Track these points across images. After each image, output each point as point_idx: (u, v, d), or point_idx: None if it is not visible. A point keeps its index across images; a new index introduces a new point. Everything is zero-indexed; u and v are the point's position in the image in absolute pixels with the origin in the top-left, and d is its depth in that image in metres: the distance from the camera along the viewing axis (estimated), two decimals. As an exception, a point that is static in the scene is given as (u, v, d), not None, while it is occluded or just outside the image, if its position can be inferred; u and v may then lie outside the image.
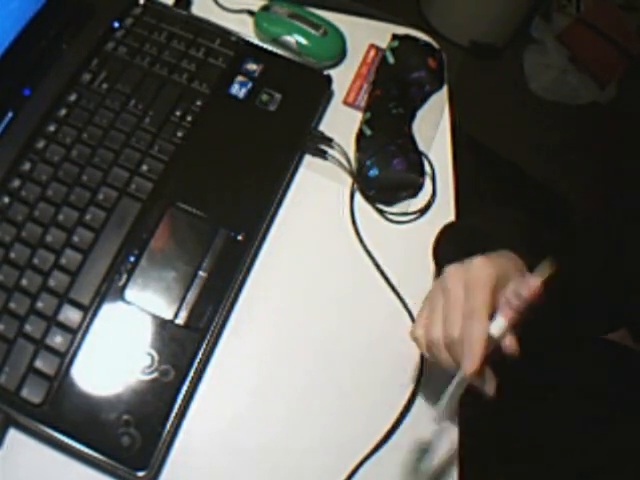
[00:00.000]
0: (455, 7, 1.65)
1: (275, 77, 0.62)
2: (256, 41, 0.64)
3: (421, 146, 0.63)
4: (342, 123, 0.63)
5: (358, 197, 0.60)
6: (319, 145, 0.61)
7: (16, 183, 0.53)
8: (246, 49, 0.63)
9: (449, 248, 0.53)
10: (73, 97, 0.57)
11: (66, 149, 0.55)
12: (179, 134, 0.57)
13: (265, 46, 0.64)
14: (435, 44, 0.68)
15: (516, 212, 0.53)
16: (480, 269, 0.41)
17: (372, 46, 0.69)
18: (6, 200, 0.52)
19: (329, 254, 0.58)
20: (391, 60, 0.65)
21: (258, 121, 0.60)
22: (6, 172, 0.53)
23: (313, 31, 0.65)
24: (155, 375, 0.48)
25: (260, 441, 0.50)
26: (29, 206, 0.52)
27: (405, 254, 0.59)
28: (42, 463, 0.47)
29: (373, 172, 0.59)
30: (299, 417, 0.51)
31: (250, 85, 0.61)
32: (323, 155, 0.61)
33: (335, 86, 0.64)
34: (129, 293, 0.50)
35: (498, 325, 0.40)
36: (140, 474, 0.45)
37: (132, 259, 0.51)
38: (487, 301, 0.40)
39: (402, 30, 0.69)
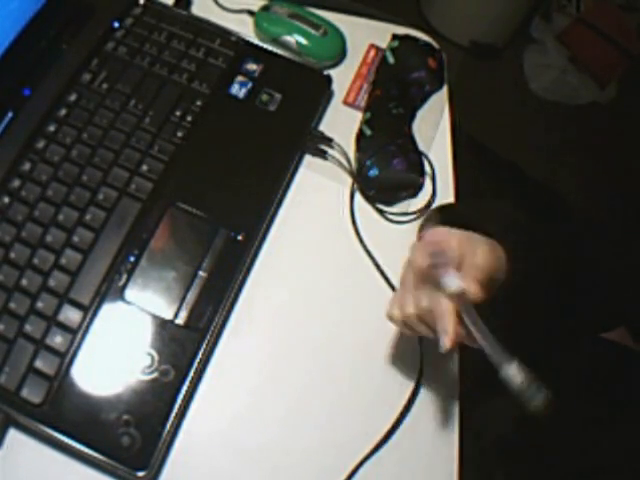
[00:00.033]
0: (455, 7, 1.65)
1: (275, 77, 0.62)
2: (256, 41, 0.64)
3: (421, 146, 0.63)
4: (342, 123, 0.63)
5: (358, 197, 0.60)
6: (319, 145, 0.61)
7: (16, 183, 0.53)
8: (246, 49, 0.63)
9: (430, 226, 0.53)
10: (73, 97, 0.57)
11: (66, 149, 0.55)
12: (179, 134, 0.57)
13: (265, 46, 0.64)
14: (435, 44, 0.68)
15: (516, 212, 0.53)
16: (442, 235, 0.42)
17: (372, 46, 0.69)
18: (6, 200, 0.52)
19: (329, 254, 0.58)
20: (391, 60, 0.65)
21: (258, 121, 0.60)
22: (6, 172, 0.53)
23: (313, 31, 0.65)
24: (155, 375, 0.48)
25: (260, 441, 0.50)
26: (29, 206, 0.52)
27: (405, 254, 0.58)
28: (42, 463, 0.47)
29: (373, 172, 0.59)
30: (299, 417, 0.51)
31: (250, 85, 0.61)
32: (323, 155, 0.61)
33: (335, 86, 0.64)
34: (129, 293, 0.50)
35: (451, 281, 0.40)
36: (140, 474, 0.45)
37: (132, 259, 0.51)
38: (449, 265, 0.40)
39: (402, 30, 0.69)
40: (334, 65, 0.67)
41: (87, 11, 0.62)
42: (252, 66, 0.62)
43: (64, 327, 0.48)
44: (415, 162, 0.61)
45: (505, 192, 1.25)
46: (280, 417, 0.51)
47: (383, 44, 0.68)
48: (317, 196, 0.60)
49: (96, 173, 0.54)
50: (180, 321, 0.50)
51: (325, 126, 0.63)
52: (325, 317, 0.55)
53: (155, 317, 0.50)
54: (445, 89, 0.67)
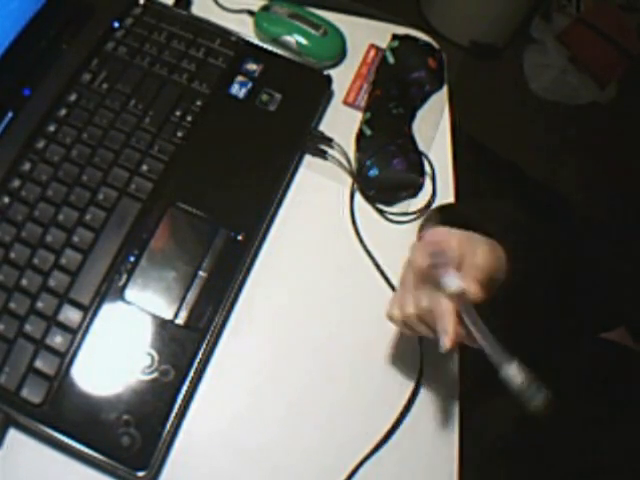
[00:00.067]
0: (455, 7, 1.65)
1: (275, 77, 0.62)
2: (256, 41, 0.64)
3: (421, 146, 0.63)
4: (342, 123, 0.63)
5: (358, 197, 0.60)
6: (319, 145, 0.61)
7: (16, 183, 0.53)
8: (246, 49, 0.63)
9: (430, 226, 0.53)
10: (73, 97, 0.57)
11: (66, 149, 0.55)
12: (179, 134, 0.57)
13: (265, 46, 0.64)
14: (435, 44, 0.68)
15: (516, 212, 0.53)
16: (442, 235, 0.42)
17: (372, 46, 0.69)
18: (6, 200, 0.52)
19: (329, 254, 0.58)
20: (391, 60, 0.65)
21: (258, 121, 0.60)
22: (6, 172, 0.53)
23: (313, 31, 0.65)
24: (155, 375, 0.48)
25: (260, 441, 0.50)
26: (29, 206, 0.52)
27: (405, 254, 0.58)
28: (42, 463, 0.47)
29: (373, 172, 0.59)
30: (299, 417, 0.51)
31: (250, 85, 0.61)
32: (323, 155, 0.61)
33: (335, 86, 0.64)
34: (129, 293, 0.50)
35: (451, 281, 0.40)
36: (140, 474, 0.45)
37: (132, 259, 0.51)
38: (449, 265, 0.40)
39: (402, 30, 0.69)
40: (334, 65, 0.67)
41: (87, 11, 0.62)
42: (252, 66, 0.62)
43: (64, 327, 0.48)
44: (415, 162, 0.61)
45: (505, 192, 1.25)
46: (280, 417, 0.51)
47: (383, 44, 0.68)
48: (317, 196, 0.60)
49: (96, 173, 0.54)
50: (180, 321, 0.50)
51: (325, 126, 0.63)
52: (325, 317, 0.55)
53: (155, 317, 0.50)
54: (445, 89, 0.67)
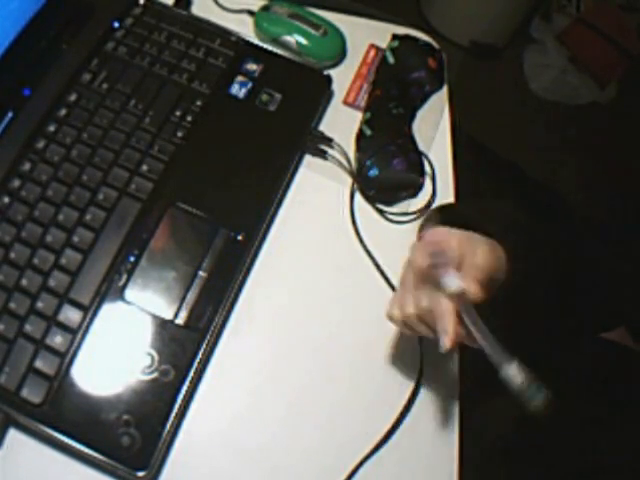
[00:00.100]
0: (455, 7, 1.65)
1: (275, 77, 0.62)
2: (256, 41, 0.64)
3: (421, 146, 0.63)
4: (342, 123, 0.63)
5: (358, 197, 0.60)
6: (319, 145, 0.61)
7: (16, 183, 0.53)
8: (246, 49, 0.63)
9: (430, 226, 0.53)
10: (73, 97, 0.57)
11: (66, 149, 0.55)
12: (179, 134, 0.57)
13: (265, 46, 0.64)
14: (435, 44, 0.68)
15: (516, 212, 0.53)
16: (442, 235, 0.42)
17: (372, 46, 0.69)
18: (6, 200, 0.52)
19: (329, 254, 0.58)
20: (391, 60, 0.65)
21: (258, 121, 0.60)
22: (6, 172, 0.53)
23: (313, 31, 0.65)
24: (155, 375, 0.48)
25: (260, 441, 0.50)
26: (29, 206, 0.52)
27: (405, 254, 0.58)
28: (42, 463, 0.47)
29: (373, 172, 0.59)
30: (299, 417, 0.51)
31: (250, 85, 0.61)
32: (323, 155, 0.61)
33: (335, 86, 0.64)
34: (129, 293, 0.50)
35: (451, 281, 0.40)
36: (140, 474, 0.45)
37: (132, 259, 0.51)
38: (449, 265, 0.40)
39: (402, 30, 0.69)
40: (334, 65, 0.67)
41: (87, 11, 0.62)
42: (252, 66, 0.62)
43: (64, 327, 0.48)
44: (415, 162, 0.61)
45: (505, 192, 1.25)
46: (280, 417, 0.51)
47: (383, 44, 0.68)
48: (317, 196, 0.60)
49: (96, 173, 0.54)
50: (180, 321, 0.50)
51: (325, 126, 0.63)
52: (325, 317, 0.55)
53: (155, 317, 0.50)
54: (445, 89, 0.67)
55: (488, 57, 1.72)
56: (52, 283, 0.49)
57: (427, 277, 0.42)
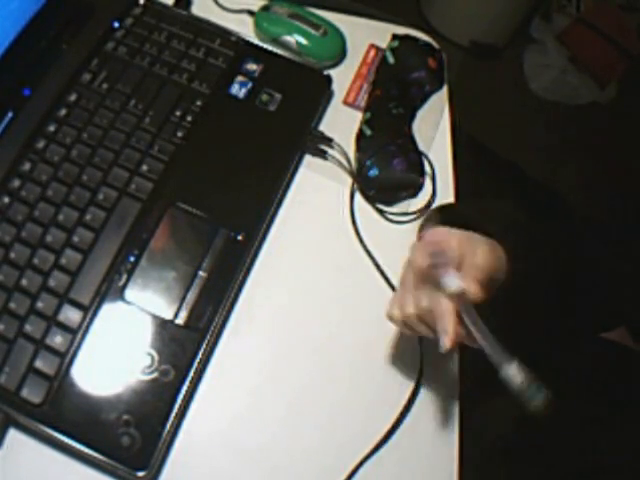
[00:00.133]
0: (455, 7, 1.65)
1: (275, 77, 0.62)
2: (256, 41, 0.64)
3: (421, 146, 0.63)
4: (342, 123, 0.63)
5: (358, 197, 0.60)
6: (319, 145, 0.61)
7: (16, 183, 0.53)
8: (246, 49, 0.63)
9: (430, 226, 0.53)
10: (73, 97, 0.57)
11: (66, 149, 0.55)
12: (179, 134, 0.57)
13: (265, 46, 0.64)
14: (435, 44, 0.68)
15: (516, 212, 0.53)
16: (442, 235, 0.42)
17: (372, 46, 0.69)
18: (6, 200, 0.52)
19: (329, 254, 0.58)
20: (391, 60, 0.65)
21: (258, 121, 0.60)
22: (6, 172, 0.53)
23: (313, 31, 0.65)
24: (155, 375, 0.48)
25: (260, 441, 0.50)
26: (29, 206, 0.52)
27: (405, 254, 0.58)
28: (42, 463, 0.47)
29: (373, 172, 0.59)
30: (299, 417, 0.51)
31: (250, 85, 0.61)
32: (323, 155, 0.61)
33: (335, 86, 0.64)
34: (129, 293, 0.50)
35: (451, 281, 0.40)
36: (140, 474, 0.45)
37: (132, 259, 0.51)
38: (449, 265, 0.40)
39: (402, 30, 0.69)
40: (334, 65, 0.67)
41: (87, 11, 0.62)
42: (252, 66, 0.62)
43: (64, 327, 0.48)
44: (415, 162, 0.61)
45: (505, 192, 1.25)
46: (280, 417, 0.51)
47: (383, 44, 0.68)
48: (317, 196, 0.60)
49: (96, 173, 0.54)
50: (180, 321, 0.50)
51: (325, 126, 0.63)
52: (325, 317, 0.55)
53: (155, 317, 0.50)
54: (445, 89, 0.67)
55: (488, 57, 1.72)
56: (52, 283, 0.49)
57: (427, 277, 0.42)
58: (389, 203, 0.61)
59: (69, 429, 0.45)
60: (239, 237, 0.54)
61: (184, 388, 0.48)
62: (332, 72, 0.64)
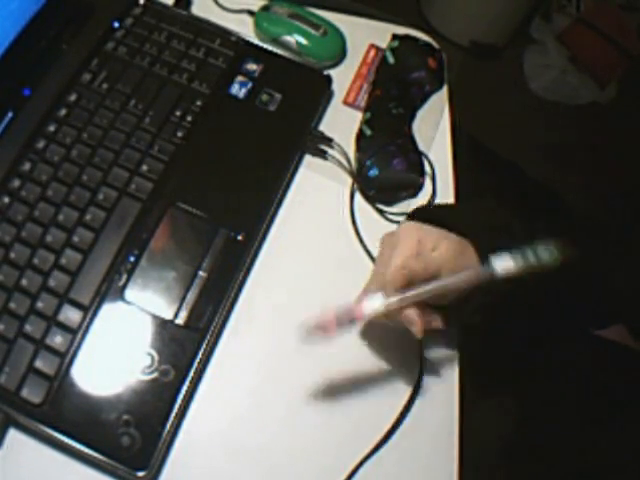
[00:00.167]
0: (455, 7, 1.65)
1: (275, 77, 0.62)
2: (256, 41, 0.64)
3: (421, 146, 0.63)
4: (342, 123, 0.63)
5: (358, 197, 0.60)
6: (319, 145, 0.61)
7: (16, 183, 0.53)
8: (246, 49, 0.63)
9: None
10: (73, 97, 0.57)
11: (66, 149, 0.55)
12: (179, 134, 0.57)
13: (265, 46, 0.64)
14: (435, 44, 0.68)
15: (516, 212, 0.53)
16: (403, 233, 0.45)
17: (372, 46, 0.69)
18: (6, 200, 0.52)
19: (329, 254, 0.58)
20: (391, 60, 0.65)
21: (258, 121, 0.60)
22: (6, 172, 0.53)
23: (313, 31, 0.65)
24: (155, 375, 0.48)
25: (260, 441, 0.50)
26: (29, 206, 0.52)
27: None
28: (42, 463, 0.47)
29: (373, 172, 0.59)
30: (299, 417, 0.51)
31: (250, 85, 0.61)
32: (323, 155, 0.61)
33: (335, 86, 0.64)
34: (129, 293, 0.50)
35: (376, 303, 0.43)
36: (140, 474, 0.45)
37: (132, 259, 0.51)
38: (400, 267, 0.44)
39: (402, 30, 0.69)
40: (334, 65, 0.67)
41: (87, 11, 0.62)
42: (252, 66, 0.62)
43: (64, 327, 0.48)
44: (415, 162, 0.61)
45: (505, 192, 1.25)
46: (280, 417, 0.51)
47: (383, 44, 0.68)
48: (317, 196, 0.60)
49: (96, 173, 0.54)
50: (180, 321, 0.50)
51: (325, 126, 0.63)
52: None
53: (155, 317, 0.50)
54: (445, 89, 0.67)
55: (488, 57, 1.72)
56: (52, 283, 0.49)
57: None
58: (389, 203, 0.61)
59: (69, 429, 0.45)
60: (239, 237, 0.54)
61: (184, 388, 0.48)
62: (332, 72, 0.64)
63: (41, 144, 0.55)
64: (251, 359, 0.52)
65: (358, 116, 0.64)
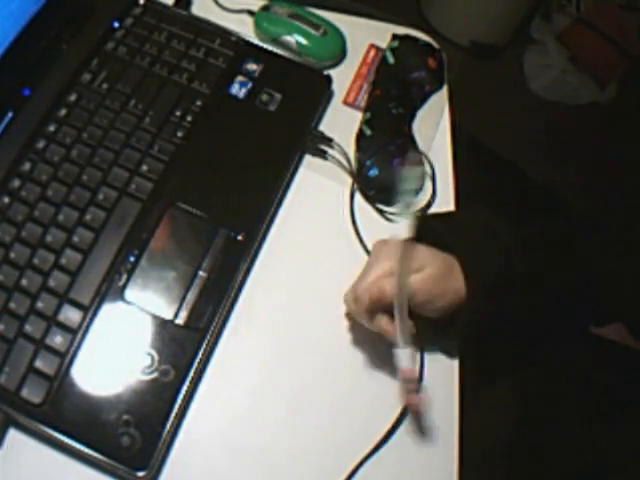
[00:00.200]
0: (455, 7, 1.65)
1: (275, 77, 0.62)
2: (256, 41, 0.64)
3: (421, 146, 0.63)
4: (342, 123, 0.63)
5: (358, 197, 0.60)
6: (319, 145, 0.61)
7: (16, 183, 0.53)
8: (246, 49, 0.63)
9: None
10: (73, 97, 0.57)
11: (66, 149, 0.55)
12: (179, 134, 0.57)
13: (265, 46, 0.64)
14: (435, 44, 0.68)
15: (492, 219, 0.53)
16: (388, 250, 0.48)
17: (372, 46, 0.69)
18: (6, 200, 0.52)
19: (329, 254, 0.58)
20: (391, 60, 0.65)
21: (258, 121, 0.60)
22: (6, 172, 0.53)
23: (313, 31, 0.65)
24: (155, 375, 0.48)
25: (260, 441, 0.50)
26: (29, 206, 0.52)
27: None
28: (42, 463, 0.47)
29: (373, 172, 0.59)
30: (299, 417, 0.51)
31: (250, 85, 0.61)
32: (323, 155, 0.61)
33: (335, 86, 0.64)
34: (129, 293, 0.50)
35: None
36: (140, 474, 0.45)
37: (132, 259, 0.51)
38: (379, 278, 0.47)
39: (402, 30, 0.69)
40: (334, 65, 0.67)
41: (87, 11, 0.62)
42: (252, 66, 0.62)
43: (64, 327, 0.48)
44: (415, 162, 0.61)
45: (505, 192, 1.25)
46: (280, 417, 0.51)
47: (383, 44, 0.68)
48: (317, 196, 0.60)
49: (96, 173, 0.54)
50: (180, 321, 0.50)
51: (325, 126, 0.63)
52: (325, 317, 0.55)
53: (155, 317, 0.50)
54: (445, 89, 0.67)
55: (488, 57, 1.72)
56: (52, 283, 0.49)
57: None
58: (389, 203, 0.61)
59: (69, 429, 0.45)
60: (239, 237, 0.54)
61: (184, 388, 0.48)
62: (332, 72, 0.64)
63: (41, 144, 0.55)
64: (251, 359, 0.52)
65: (358, 116, 0.64)
